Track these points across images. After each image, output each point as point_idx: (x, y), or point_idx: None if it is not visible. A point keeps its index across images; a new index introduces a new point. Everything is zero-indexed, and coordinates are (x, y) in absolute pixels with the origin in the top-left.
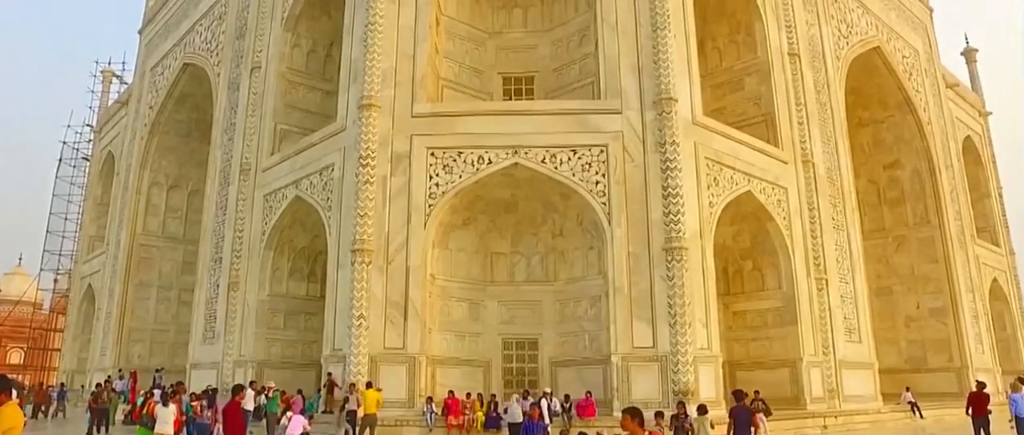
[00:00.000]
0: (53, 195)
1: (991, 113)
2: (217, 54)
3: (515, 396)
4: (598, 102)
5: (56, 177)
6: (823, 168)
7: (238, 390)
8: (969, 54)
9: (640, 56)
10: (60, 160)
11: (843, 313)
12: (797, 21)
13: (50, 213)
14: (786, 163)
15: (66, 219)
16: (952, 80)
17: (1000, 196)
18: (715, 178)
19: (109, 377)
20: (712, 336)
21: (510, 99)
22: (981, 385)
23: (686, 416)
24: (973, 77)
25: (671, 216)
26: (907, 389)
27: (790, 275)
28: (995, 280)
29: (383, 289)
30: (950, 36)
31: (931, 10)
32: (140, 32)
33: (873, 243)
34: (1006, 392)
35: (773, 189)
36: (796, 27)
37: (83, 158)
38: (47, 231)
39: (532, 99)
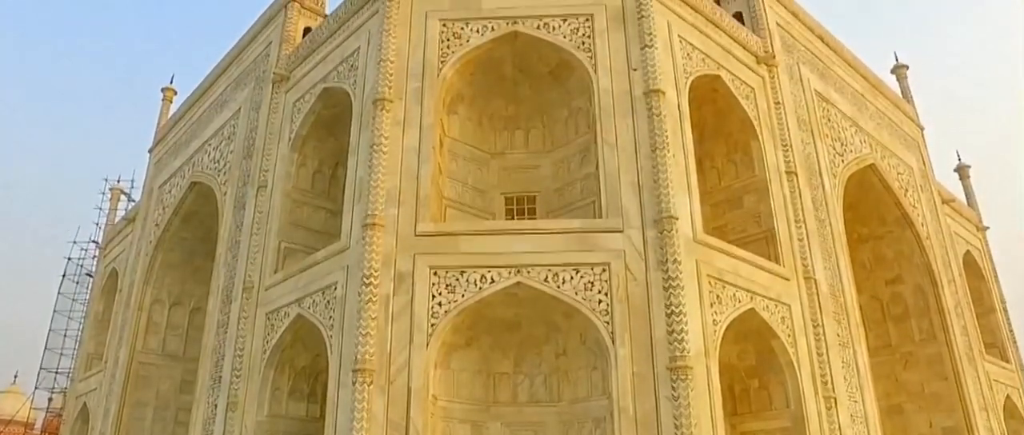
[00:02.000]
0: (54, 311)
1: (988, 228)
2: (225, 173)
3: None
4: (599, 221)
5: (58, 293)
6: (825, 285)
7: None
8: (962, 170)
9: (640, 175)
10: (63, 276)
11: (854, 432)
12: (792, 140)
13: (50, 330)
14: (788, 280)
15: (66, 336)
16: (948, 196)
17: (1005, 311)
18: (718, 296)
19: None
20: None
21: (512, 218)
22: None
23: None
24: (968, 192)
25: (675, 335)
26: None
27: (797, 394)
28: (1008, 397)
29: (384, 410)
30: (944, 152)
31: (922, 128)
32: (150, 151)
33: (880, 360)
34: None
35: (776, 306)
36: (792, 146)
37: (87, 274)
38: (45, 348)
39: (534, 218)
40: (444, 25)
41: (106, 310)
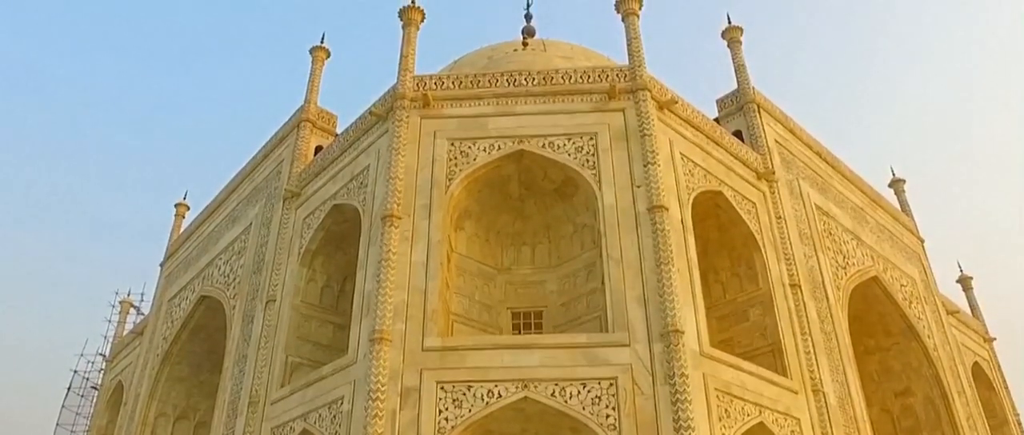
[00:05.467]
0: (57, 425)
1: (995, 339)
2: (234, 287)
3: None
4: (606, 335)
5: (62, 406)
6: (834, 397)
7: None
8: (965, 282)
9: (646, 289)
10: (69, 389)
11: None
12: (795, 253)
13: None
14: (796, 393)
15: None
16: (952, 307)
17: (1018, 423)
18: (726, 410)
19: None
20: None
21: (519, 333)
22: None
23: None
24: (972, 304)
25: None
26: None
27: None
28: None
29: None
30: (946, 263)
31: (922, 240)
32: (161, 265)
33: None
34: None
35: (786, 420)
36: (795, 259)
37: (92, 388)
38: None
39: (541, 333)
40: (452, 144)
41: (110, 424)
